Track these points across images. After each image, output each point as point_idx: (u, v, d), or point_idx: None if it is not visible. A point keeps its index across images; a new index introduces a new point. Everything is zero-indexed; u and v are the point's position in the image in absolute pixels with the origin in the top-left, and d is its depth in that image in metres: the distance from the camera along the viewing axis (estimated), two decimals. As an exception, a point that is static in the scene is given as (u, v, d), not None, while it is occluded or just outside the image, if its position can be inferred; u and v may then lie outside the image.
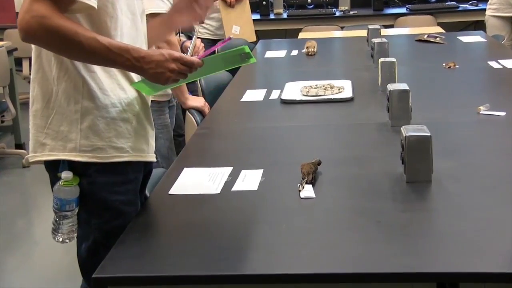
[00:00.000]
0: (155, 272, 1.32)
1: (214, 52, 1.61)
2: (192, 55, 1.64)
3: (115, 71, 1.60)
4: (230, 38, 1.73)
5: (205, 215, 1.58)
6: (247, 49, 1.56)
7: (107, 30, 1.54)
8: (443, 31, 4.64)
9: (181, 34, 3.12)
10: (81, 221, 1.63)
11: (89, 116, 1.58)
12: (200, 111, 2.88)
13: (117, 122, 1.60)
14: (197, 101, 2.92)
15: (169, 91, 2.80)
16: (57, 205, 1.59)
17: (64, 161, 1.58)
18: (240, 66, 3.58)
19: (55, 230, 1.62)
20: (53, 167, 1.60)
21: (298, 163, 1.79)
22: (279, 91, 2.88)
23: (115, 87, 1.60)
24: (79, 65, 1.56)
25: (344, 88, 2.78)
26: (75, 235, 1.63)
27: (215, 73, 1.68)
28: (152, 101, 1.78)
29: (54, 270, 3.05)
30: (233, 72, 3.46)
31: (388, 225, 1.45)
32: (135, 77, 1.64)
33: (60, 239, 1.62)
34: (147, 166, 1.75)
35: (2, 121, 4.72)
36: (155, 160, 1.74)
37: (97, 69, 1.57)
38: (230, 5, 4.58)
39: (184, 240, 1.45)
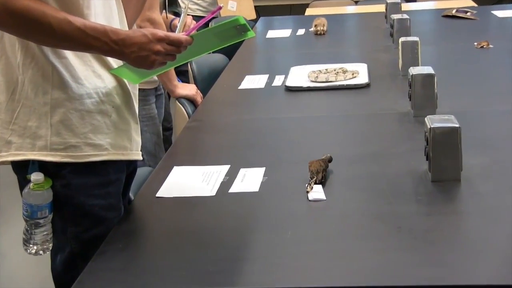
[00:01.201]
0: (140, 287, 1.32)
1: (205, 27, 1.60)
2: (181, 35, 1.64)
3: (89, 56, 1.60)
4: (220, 7, 1.71)
5: (198, 221, 1.58)
6: (242, 20, 1.55)
7: (79, 9, 1.54)
8: (474, 4, 4.63)
9: (168, 11, 3.11)
10: (56, 229, 1.63)
11: (61, 109, 1.58)
12: (191, 101, 2.88)
13: (93, 115, 1.60)
14: (187, 89, 2.92)
15: (156, 77, 2.80)
16: (28, 212, 1.60)
17: (33, 161, 1.58)
18: (237, 48, 3.59)
19: (27, 241, 1.62)
20: (21, 168, 1.60)
21: (306, 160, 1.79)
22: (283, 76, 2.88)
23: (90, 75, 1.60)
24: (48, 50, 1.56)
25: (359, 72, 2.78)
26: (50, 245, 1.64)
27: (208, 52, 1.68)
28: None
29: (25, 287, 3.06)
30: (230, 54, 3.46)
31: (410, 232, 1.45)
32: (114, 62, 1.63)
33: (33, 251, 1.62)
34: (130, 165, 1.75)
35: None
36: (140, 158, 1.74)
37: (69, 54, 1.57)
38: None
39: (174, 250, 1.45)
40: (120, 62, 1.62)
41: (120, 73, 1.63)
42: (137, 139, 1.73)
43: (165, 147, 3.09)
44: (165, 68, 1.60)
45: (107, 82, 1.63)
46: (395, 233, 1.45)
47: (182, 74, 3.34)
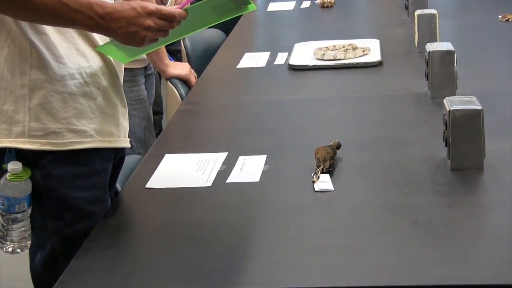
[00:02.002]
0: (129, 288, 1.33)
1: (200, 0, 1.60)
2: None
3: (73, 33, 1.59)
4: None
5: (193, 215, 1.58)
6: None
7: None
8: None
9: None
10: (35, 225, 1.63)
11: (40, 91, 1.57)
12: (184, 81, 2.88)
13: (76, 98, 1.60)
14: (180, 68, 2.92)
15: (145, 55, 2.80)
16: (4, 206, 1.60)
17: (10, 149, 1.58)
18: (235, 22, 3.58)
19: (3, 238, 1.62)
20: (-3, 157, 1.61)
21: (312, 146, 1.79)
22: (286, 54, 2.87)
23: (73, 53, 1.60)
24: (26, 25, 1.55)
25: (371, 49, 2.78)
26: (29, 243, 1.64)
27: (204, 28, 1.67)
28: (124, 69, 1.78)
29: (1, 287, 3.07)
30: (227, 30, 3.45)
31: (427, 226, 1.45)
32: (100, 39, 1.63)
33: (10, 249, 1.63)
34: (117, 153, 1.75)
35: None
36: (128, 145, 1.74)
37: (49, 30, 1.57)
38: None
39: (166, 248, 1.46)
40: (107, 39, 1.61)
41: (107, 51, 1.63)
42: (125, 124, 1.73)
43: (155, 132, 3.10)
44: (157, 46, 1.60)
45: (92, 61, 1.62)
46: (411, 227, 1.45)
47: (174, 55, 3.33)
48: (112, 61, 1.68)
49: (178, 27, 1.54)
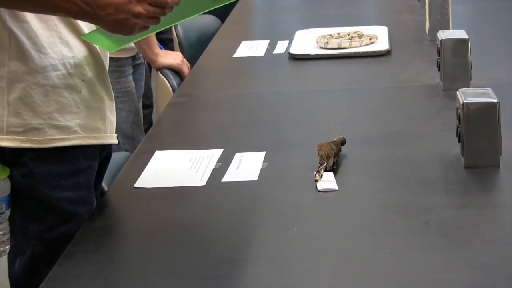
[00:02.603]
0: (117, 296, 1.33)
1: None
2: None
3: (55, 20, 1.59)
4: None
5: (185, 217, 1.58)
6: None
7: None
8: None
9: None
10: (14, 228, 1.63)
11: (20, 84, 1.57)
12: (176, 72, 2.88)
13: (59, 91, 1.60)
14: (172, 58, 2.92)
15: (133, 44, 2.79)
16: (-20, 207, 1.60)
17: (-13, 146, 1.58)
18: (232, 8, 3.57)
19: (-21, 242, 1.63)
20: (-27, 154, 1.60)
21: (315, 142, 1.79)
22: (286, 42, 2.87)
23: (56, 42, 1.60)
24: (4, 13, 1.55)
25: (378, 37, 2.78)
26: (8, 247, 1.64)
27: (198, 15, 1.67)
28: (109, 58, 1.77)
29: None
30: (223, 16, 3.45)
31: (439, 228, 1.45)
32: (86, 27, 1.63)
33: (-14, 254, 1.63)
34: (104, 150, 1.75)
35: None
36: (115, 141, 1.74)
37: (30, 17, 1.56)
38: None
39: (157, 252, 1.45)
40: (93, 27, 1.61)
41: (93, 40, 1.63)
42: (112, 119, 1.73)
43: (144, 127, 3.09)
44: (147, 33, 1.59)
45: (77, 51, 1.62)
46: (422, 229, 1.45)
47: (165, 43, 3.33)
48: (99, 50, 1.67)
49: (170, 13, 1.54)
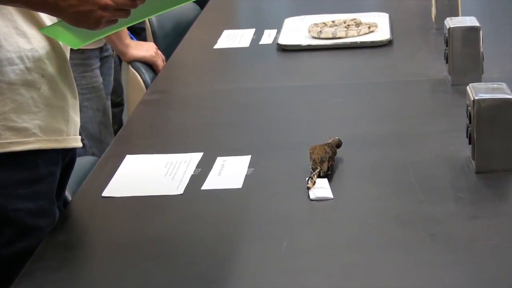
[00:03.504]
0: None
1: None
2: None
3: (11, 9, 1.59)
4: None
5: (160, 230, 1.58)
6: None
7: None
8: None
9: None
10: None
11: (-29, 80, 1.57)
12: (149, 65, 2.87)
13: (16, 88, 1.60)
14: (144, 49, 2.91)
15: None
16: None
17: None
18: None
19: None
20: None
21: (307, 145, 1.79)
22: (274, 31, 2.87)
23: (11, 33, 1.59)
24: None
25: (378, 25, 2.78)
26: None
27: (175, 7, 1.67)
28: (72, 50, 1.77)
29: None
30: (202, 2, 3.45)
31: (448, 241, 1.46)
32: (48, 18, 1.62)
33: None
34: (67, 155, 1.75)
35: None
36: (79, 144, 1.74)
37: (-18, 7, 1.56)
38: None
39: (127, 270, 1.45)
40: (55, 19, 1.61)
41: (54, 34, 1.62)
42: (76, 119, 1.73)
43: (114, 128, 3.09)
44: (116, 28, 1.59)
45: (35, 43, 1.62)
46: (428, 242, 1.45)
47: (136, 33, 3.33)
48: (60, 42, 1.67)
49: (143, 5, 1.54)
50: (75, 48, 1.69)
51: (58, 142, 1.66)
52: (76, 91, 1.73)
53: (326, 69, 2.54)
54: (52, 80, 1.65)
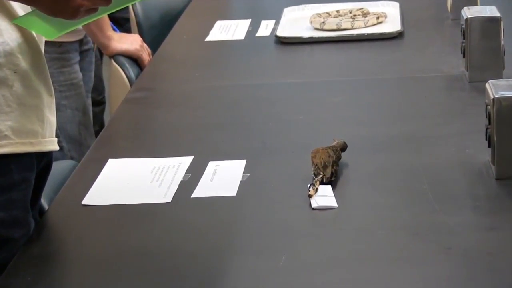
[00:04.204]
0: None
1: None
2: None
3: (-20, 0, 1.59)
4: None
5: (146, 241, 1.58)
6: None
7: None
8: None
9: None
10: None
11: None
12: (134, 59, 2.87)
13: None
14: (128, 42, 2.91)
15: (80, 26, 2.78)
16: None
17: None
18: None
19: None
20: None
21: (308, 148, 1.79)
22: (272, 22, 2.87)
23: (-21, 26, 1.60)
24: None
25: (387, 15, 2.78)
26: None
27: None
28: (47, 42, 1.77)
29: None
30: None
31: (464, 254, 1.46)
32: (20, 8, 1.62)
33: None
34: (42, 159, 1.74)
35: None
36: (56, 147, 1.74)
37: None
38: None
39: (111, 285, 1.45)
40: (28, 8, 1.61)
41: (28, 24, 1.62)
42: (52, 119, 1.72)
43: (95, 129, 3.09)
44: (95, 16, 1.59)
45: (7, 36, 1.62)
46: (442, 256, 1.46)
47: (120, 24, 3.32)
48: (34, 34, 1.67)
49: None
50: (50, 39, 1.69)
51: (33, 145, 1.66)
52: (52, 88, 1.73)
53: (330, 64, 2.54)
54: (26, 77, 1.65)
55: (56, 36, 1.68)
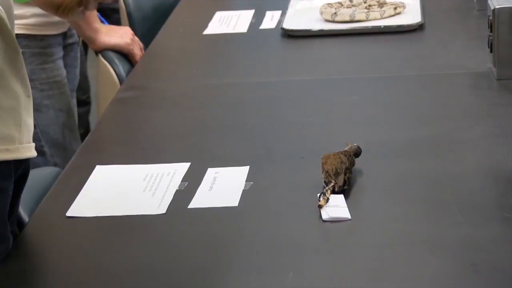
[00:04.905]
0: None
1: None
2: None
3: None
4: None
5: (138, 257, 1.58)
6: None
7: None
8: None
9: None
10: None
11: None
12: (124, 55, 2.87)
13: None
14: (118, 35, 2.91)
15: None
16: None
17: None
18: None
19: None
20: None
21: (318, 153, 1.79)
22: (278, 13, 2.87)
23: None
24: None
25: (406, 5, 2.78)
26: None
27: None
28: (28, 36, 1.77)
29: None
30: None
31: (492, 271, 1.46)
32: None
33: None
34: (20, 166, 1.74)
35: None
36: (33, 154, 1.73)
37: None
38: None
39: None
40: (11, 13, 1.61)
41: None
42: (29, 122, 1.72)
43: (80, 132, 3.08)
44: None
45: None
46: (468, 274, 1.46)
47: (108, 15, 3.32)
48: (9, 25, 1.67)
49: None
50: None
51: (10, 152, 1.66)
52: (30, 88, 1.73)
53: (342, 60, 2.54)
54: (1, 76, 1.65)
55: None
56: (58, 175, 1.94)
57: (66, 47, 2.92)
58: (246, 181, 1.79)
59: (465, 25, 2.67)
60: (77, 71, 3.05)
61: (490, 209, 1.65)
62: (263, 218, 1.69)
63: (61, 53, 2.87)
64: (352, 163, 1.78)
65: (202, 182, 1.80)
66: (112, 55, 2.83)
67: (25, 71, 1.70)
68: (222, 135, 2.08)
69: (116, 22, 3.24)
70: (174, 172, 1.84)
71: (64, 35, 2.89)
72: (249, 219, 1.68)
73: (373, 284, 1.46)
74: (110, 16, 3.37)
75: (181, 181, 1.81)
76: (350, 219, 1.63)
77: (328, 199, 1.67)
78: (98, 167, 1.90)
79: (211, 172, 1.84)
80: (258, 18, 2.87)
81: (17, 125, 1.67)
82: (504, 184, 1.72)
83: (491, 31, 2.21)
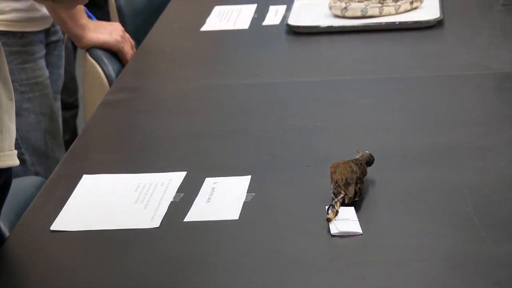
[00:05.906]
0: None
1: None
2: None
3: None
4: None
5: (129, 275, 1.59)
6: None
7: None
8: None
9: None
10: None
11: None
12: (114, 53, 2.87)
13: None
14: (106, 32, 2.91)
15: (44, 11, 2.78)
16: None
17: None
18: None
19: None
20: None
21: (326, 161, 1.80)
22: (283, 8, 2.88)
23: None
24: None
25: (424, 0, 2.79)
26: None
27: None
28: (6, 33, 1.78)
29: None
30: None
31: (516, 291, 1.47)
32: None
33: None
34: (1, 177, 1.75)
35: None
36: (16, 162, 1.73)
37: None
38: None
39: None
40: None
41: None
42: (11, 127, 1.72)
43: (65, 139, 3.08)
44: None
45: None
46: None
47: (98, 8, 3.32)
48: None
49: None
50: None
51: (-14, 161, 1.67)
52: (12, 90, 1.73)
53: (353, 59, 2.54)
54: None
55: None
56: (41, 185, 1.94)
57: (49, 45, 2.92)
58: (247, 192, 1.80)
59: (488, 21, 2.67)
60: (61, 71, 3.05)
61: (515, 223, 1.66)
62: (265, 232, 1.69)
63: (43, 52, 2.87)
64: (364, 173, 1.78)
65: (199, 193, 1.81)
66: (100, 53, 2.83)
67: (7, 72, 1.71)
68: (222, 141, 2.09)
69: (105, 16, 3.24)
70: (169, 182, 1.85)
71: (47, 32, 2.89)
72: (250, 234, 1.69)
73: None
74: (99, 9, 3.37)
75: (176, 192, 1.81)
76: (361, 234, 1.64)
77: (337, 212, 1.68)
78: (85, 176, 1.91)
79: (209, 182, 1.85)
80: (261, 13, 2.88)
81: (-3, 130, 1.68)
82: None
83: (517, 28, 2.23)
